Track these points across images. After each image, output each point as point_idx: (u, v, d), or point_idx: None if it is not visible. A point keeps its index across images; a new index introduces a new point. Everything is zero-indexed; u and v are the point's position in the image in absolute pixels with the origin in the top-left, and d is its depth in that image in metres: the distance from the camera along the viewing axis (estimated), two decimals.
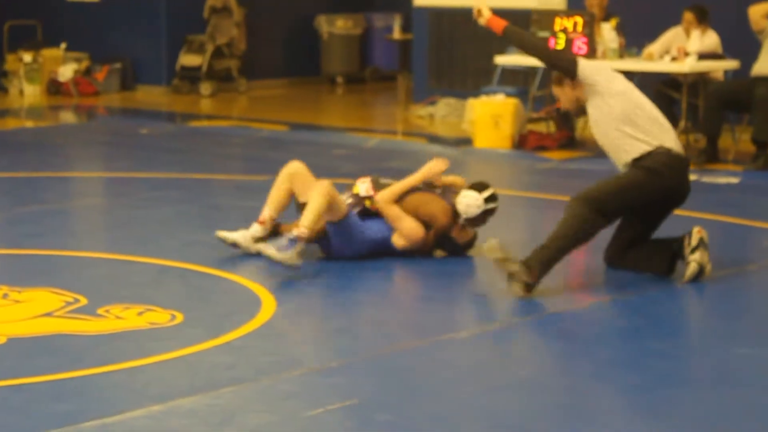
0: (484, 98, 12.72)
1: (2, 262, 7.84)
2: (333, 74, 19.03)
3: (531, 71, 13.00)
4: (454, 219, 7.87)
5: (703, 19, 12.08)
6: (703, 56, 11.78)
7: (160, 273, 7.54)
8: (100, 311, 6.58)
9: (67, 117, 15.90)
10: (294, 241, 7.34)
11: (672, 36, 12.20)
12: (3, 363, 5.79)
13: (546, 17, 12.35)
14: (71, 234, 9.01)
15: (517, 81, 13.84)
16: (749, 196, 10.24)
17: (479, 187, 7.94)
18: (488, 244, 7.10)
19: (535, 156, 12.11)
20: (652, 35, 12.35)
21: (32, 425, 4.98)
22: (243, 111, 16.35)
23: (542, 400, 5.42)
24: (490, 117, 12.43)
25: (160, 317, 6.51)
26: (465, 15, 15.42)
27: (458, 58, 15.67)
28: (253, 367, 5.77)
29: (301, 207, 7.79)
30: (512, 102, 12.47)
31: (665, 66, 11.81)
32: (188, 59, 17.47)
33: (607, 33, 12.06)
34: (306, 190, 7.74)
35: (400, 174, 8.26)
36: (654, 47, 12.14)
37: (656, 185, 7.29)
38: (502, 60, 13.00)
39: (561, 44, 12.16)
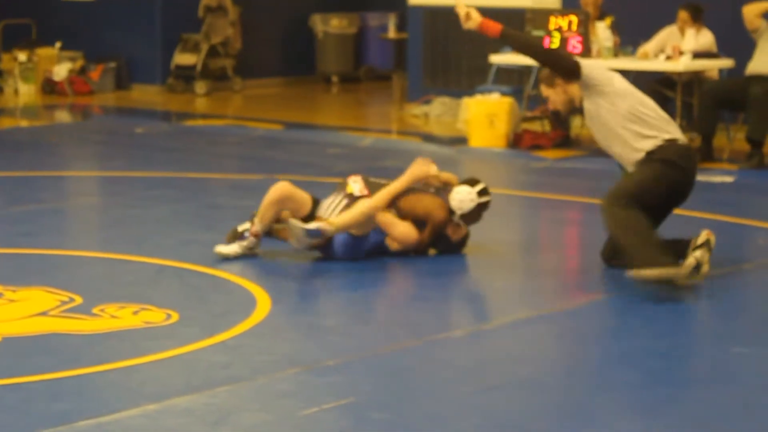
0: (479, 97, 12.72)
1: None
2: (328, 73, 19.03)
3: (526, 70, 13.00)
4: (450, 215, 7.87)
5: (698, 18, 12.09)
6: (697, 55, 11.79)
7: (155, 272, 7.54)
8: (95, 310, 6.58)
9: (62, 116, 15.88)
10: (318, 232, 7.42)
11: (667, 35, 12.21)
12: None
13: (540, 16, 12.36)
14: (66, 233, 9.01)
15: (512, 80, 13.84)
16: (744, 194, 10.25)
17: (471, 182, 7.96)
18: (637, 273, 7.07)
19: (530, 155, 12.11)
20: (647, 34, 12.35)
21: (28, 424, 4.98)
22: (238, 110, 16.34)
23: (539, 399, 5.43)
24: (485, 116, 12.43)
25: (156, 316, 6.51)
26: None
27: (453, 57, 15.67)
28: (249, 366, 5.77)
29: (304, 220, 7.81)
30: (507, 101, 12.47)
31: (660, 65, 11.82)
32: (183, 58, 17.46)
33: (602, 32, 12.07)
34: (301, 207, 7.75)
35: (394, 173, 8.26)
36: (649, 46, 12.15)
37: (672, 177, 7.27)
38: (497, 59, 13.00)
39: (556, 43, 12.17)
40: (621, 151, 7.40)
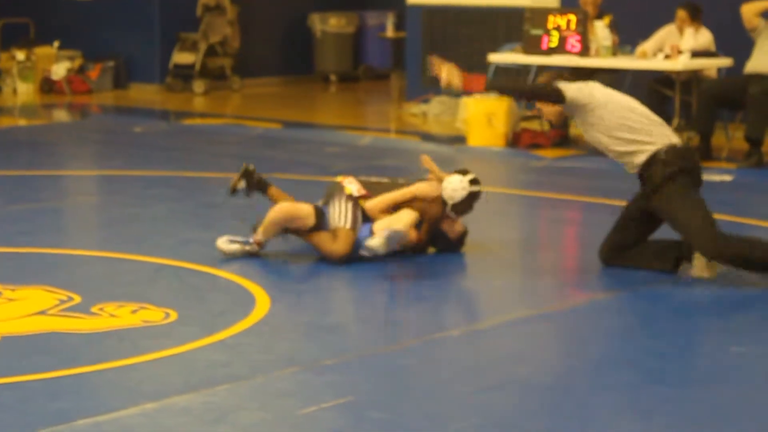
0: (477, 96, 12.71)
1: None
2: (326, 72, 19.03)
3: (524, 69, 13.01)
4: (444, 208, 7.89)
5: (697, 17, 12.09)
6: (696, 54, 11.79)
7: (154, 271, 7.53)
8: (94, 309, 6.58)
9: (61, 115, 15.88)
10: (396, 234, 7.46)
11: (665, 34, 12.21)
12: None
13: (539, 15, 12.36)
14: (65, 232, 9.01)
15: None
16: (742, 193, 10.25)
17: (461, 171, 8.00)
18: (697, 263, 7.21)
19: (529, 154, 12.11)
20: (646, 33, 12.36)
21: (26, 423, 4.98)
22: (236, 109, 16.34)
23: (537, 399, 5.43)
24: (483, 115, 12.43)
25: (154, 315, 6.51)
26: (458, 13, 15.44)
27: (452, 57, 15.55)
28: (248, 365, 5.77)
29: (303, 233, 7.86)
30: (506, 100, 12.46)
31: (658, 64, 11.82)
32: (181, 57, 17.46)
33: (601, 31, 12.07)
34: (305, 222, 7.73)
35: (392, 172, 8.26)
36: (647, 45, 12.15)
37: (693, 180, 7.35)
38: (496, 58, 13.00)
39: (554, 42, 12.18)
40: (618, 157, 7.46)
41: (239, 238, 7.71)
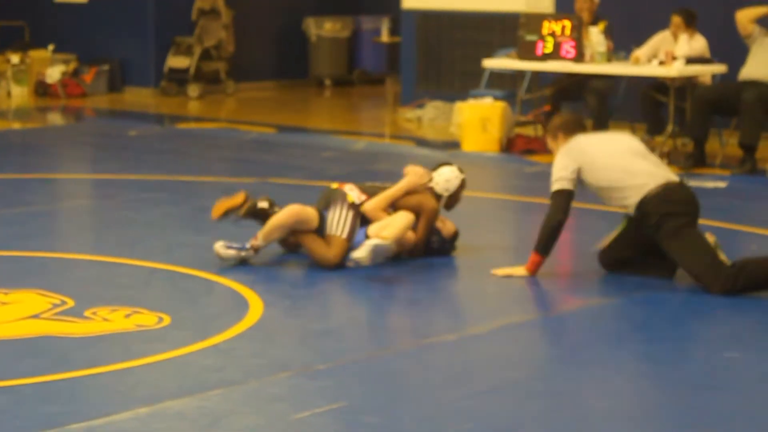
0: (472, 101, 12.72)
1: None
2: (321, 77, 19.04)
3: (519, 75, 13.01)
4: (439, 201, 8.00)
5: (691, 23, 12.10)
6: (690, 60, 11.80)
7: (147, 275, 7.53)
8: (87, 313, 6.57)
9: (55, 118, 15.87)
10: (381, 248, 7.42)
11: (660, 40, 12.22)
12: None
13: (534, 21, 12.37)
14: (58, 236, 9.00)
15: (505, 84, 13.85)
16: (736, 200, 10.25)
17: (445, 164, 8.18)
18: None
19: (523, 159, 12.12)
20: (640, 39, 12.37)
21: (19, 427, 4.97)
22: (231, 113, 16.34)
23: (531, 404, 5.43)
24: (478, 120, 12.44)
25: (148, 319, 6.50)
26: (453, 18, 15.45)
27: (446, 61, 15.68)
28: (241, 369, 5.76)
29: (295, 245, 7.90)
30: (500, 105, 12.48)
31: (653, 70, 11.82)
32: (176, 61, 17.46)
33: (595, 37, 12.08)
34: (310, 225, 7.73)
35: (387, 177, 8.27)
36: (642, 51, 12.16)
37: (689, 216, 7.38)
38: (490, 63, 13.01)
39: (549, 48, 12.18)
40: (612, 203, 7.60)
41: (236, 244, 7.70)
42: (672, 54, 11.78)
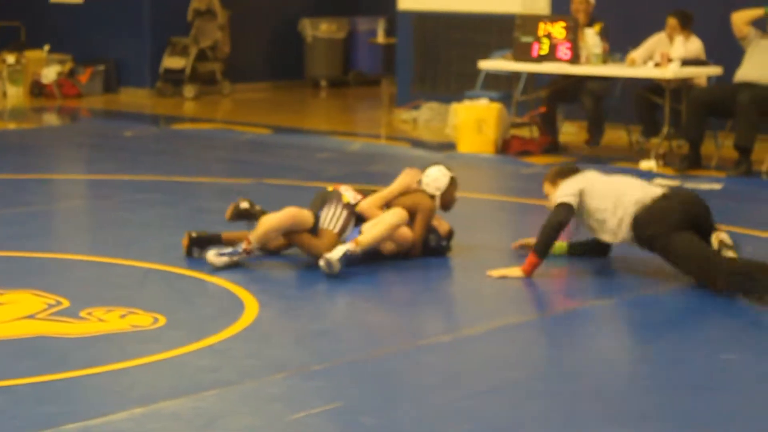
0: (467, 103, 12.73)
1: None
2: (317, 78, 19.04)
3: (515, 76, 13.02)
4: (434, 201, 8.04)
5: (687, 25, 12.11)
6: (686, 62, 11.81)
7: (142, 276, 7.52)
8: (82, 314, 6.57)
9: (51, 119, 15.86)
10: (348, 256, 7.47)
11: (655, 41, 12.23)
12: None
13: (530, 22, 12.38)
14: (54, 236, 8.99)
15: (500, 86, 13.86)
16: (732, 202, 10.26)
17: (433, 165, 8.25)
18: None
19: (519, 161, 12.12)
20: (636, 41, 12.38)
21: (15, 427, 4.97)
22: (227, 114, 16.34)
23: (527, 405, 5.43)
24: (473, 121, 12.44)
25: (143, 320, 6.50)
26: (449, 19, 15.45)
27: (442, 63, 15.69)
28: (237, 370, 5.76)
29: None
30: (496, 107, 12.48)
31: (648, 72, 11.83)
32: (172, 62, 17.45)
33: (591, 38, 12.09)
34: (304, 227, 7.74)
35: (382, 178, 8.28)
36: (637, 53, 12.17)
37: (671, 228, 7.43)
38: (486, 65, 13.01)
39: (545, 50, 12.18)
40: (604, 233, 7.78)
41: (227, 250, 7.69)
42: (667, 56, 11.79)
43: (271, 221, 7.71)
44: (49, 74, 17.20)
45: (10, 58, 17.25)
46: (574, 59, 12.09)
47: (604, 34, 12.20)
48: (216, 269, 7.60)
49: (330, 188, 8.09)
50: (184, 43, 17.44)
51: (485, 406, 5.38)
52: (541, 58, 12.25)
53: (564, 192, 7.69)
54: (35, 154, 12.63)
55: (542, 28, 12.22)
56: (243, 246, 7.68)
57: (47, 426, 4.96)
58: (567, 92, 12.60)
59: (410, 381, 5.76)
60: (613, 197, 7.62)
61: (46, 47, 17.58)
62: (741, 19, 11.61)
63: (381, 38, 18.92)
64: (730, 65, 11.88)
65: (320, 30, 18.84)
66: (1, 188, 10.42)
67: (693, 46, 12.06)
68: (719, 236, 7.41)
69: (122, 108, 16.42)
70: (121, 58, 17.70)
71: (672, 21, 12.14)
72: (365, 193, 8.04)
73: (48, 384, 5.49)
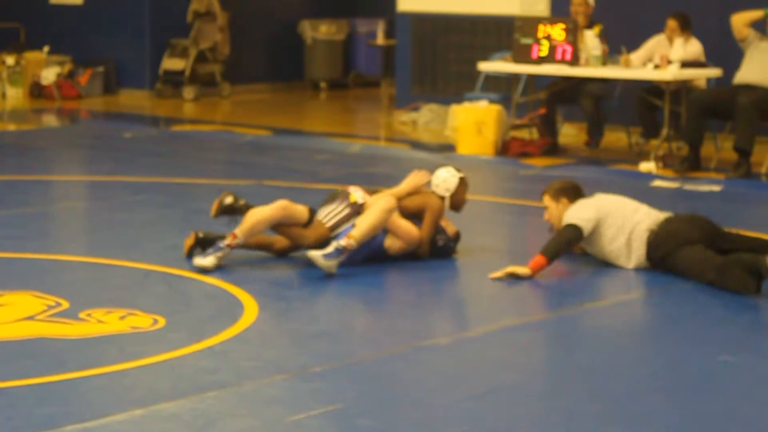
0: (467, 104, 12.73)
1: None
2: (316, 79, 19.04)
3: (514, 78, 13.02)
4: (443, 202, 8.06)
5: (686, 27, 12.12)
6: (685, 64, 11.82)
7: (142, 277, 7.52)
8: (82, 315, 6.57)
9: (50, 120, 15.86)
10: (341, 251, 7.47)
11: (655, 43, 12.24)
12: None
13: (529, 24, 12.38)
14: (53, 237, 8.99)
15: (500, 87, 13.86)
16: (731, 204, 10.26)
17: (441, 166, 8.27)
18: None
19: (518, 162, 12.12)
20: (636, 43, 12.38)
21: (14, 429, 4.97)
22: (226, 115, 16.34)
23: (526, 407, 5.43)
24: (473, 123, 12.44)
25: (143, 321, 6.50)
26: (448, 21, 15.46)
27: (441, 64, 15.69)
28: (236, 371, 5.76)
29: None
30: (495, 108, 12.48)
31: (648, 73, 11.84)
32: (172, 63, 17.45)
33: (591, 40, 12.09)
34: (297, 221, 7.74)
35: (382, 180, 8.28)
36: (637, 55, 12.18)
37: (676, 248, 7.60)
38: (486, 66, 13.02)
39: (544, 51, 12.19)
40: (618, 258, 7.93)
41: (210, 249, 7.67)
42: (667, 58, 11.79)
43: (261, 213, 7.69)
44: (49, 75, 17.20)
45: (10, 60, 17.25)
46: (574, 61, 12.09)
47: (603, 36, 12.20)
48: (207, 270, 7.57)
49: (341, 189, 8.11)
50: (183, 44, 17.44)
51: (484, 408, 5.38)
52: (540, 60, 12.25)
53: (579, 215, 7.78)
54: (34, 156, 12.63)
55: (542, 30, 12.22)
56: (226, 241, 7.63)
57: (47, 427, 4.96)
58: (566, 94, 12.60)
59: (409, 383, 5.76)
60: (627, 230, 7.78)
61: (46, 48, 17.58)
62: (740, 20, 11.61)
63: (380, 40, 18.92)
64: (730, 67, 11.88)
65: (320, 32, 18.85)
66: (0, 189, 10.42)
67: (692, 48, 12.06)
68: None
69: (122, 109, 16.41)
70: (121, 60, 17.70)
71: (671, 23, 12.14)
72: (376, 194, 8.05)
73: (47, 385, 5.49)
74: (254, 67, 18.58)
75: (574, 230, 7.73)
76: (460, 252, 8.13)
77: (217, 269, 7.59)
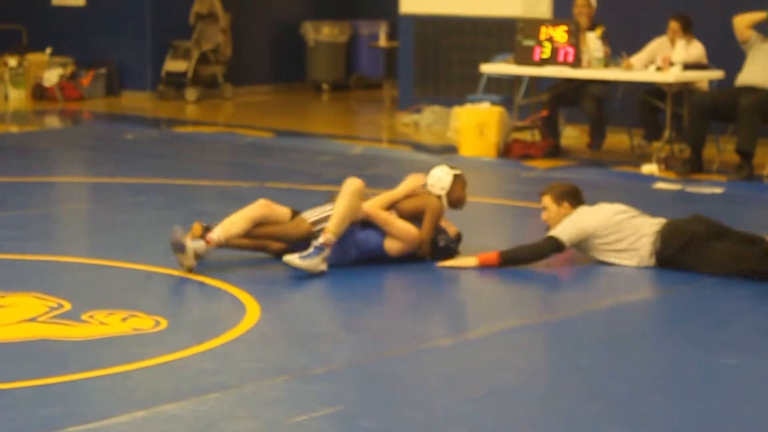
0: (469, 106, 12.73)
1: None
2: (318, 81, 19.04)
3: (516, 80, 13.02)
4: (441, 201, 8.06)
5: (689, 29, 12.12)
6: (688, 66, 11.81)
7: (144, 279, 7.53)
8: (84, 317, 6.57)
9: (53, 122, 15.87)
10: (321, 248, 7.47)
11: (657, 45, 12.23)
12: None
13: (532, 26, 12.38)
14: (55, 239, 9.00)
15: (502, 89, 13.86)
16: (733, 206, 10.26)
17: (435, 167, 8.28)
18: None
19: (520, 164, 12.12)
20: (638, 45, 12.38)
21: (16, 430, 4.97)
22: (228, 117, 16.34)
23: (527, 408, 5.43)
24: (475, 125, 12.44)
25: (144, 323, 6.50)
26: (451, 23, 15.46)
27: (444, 66, 15.69)
28: (238, 373, 5.76)
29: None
30: (497, 110, 12.48)
31: (650, 75, 11.83)
32: (174, 65, 17.45)
33: (593, 42, 12.09)
34: (283, 216, 7.77)
35: (384, 181, 8.28)
36: (639, 57, 12.17)
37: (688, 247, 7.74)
38: (488, 68, 13.02)
39: (547, 53, 12.19)
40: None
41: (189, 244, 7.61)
42: (669, 60, 11.79)
43: (241, 211, 7.70)
44: (51, 77, 17.21)
45: (12, 61, 17.26)
46: (576, 63, 12.09)
47: (605, 38, 12.20)
48: (196, 260, 7.53)
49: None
50: (186, 46, 17.44)
51: (485, 409, 5.38)
52: (542, 62, 12.26)
53: (569, 231, 7.84)
54: (37, 157, 12.64)
55: (544, 32, 12.22)
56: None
57: (49, 429, 4.96)
58: (568, 96, 12.60)
59: (411, 385, 5.76)
60: (629, 232, 7.86)
61: (48, 50, 17.58)
62: (743, 22, 11.61)
63: (383, 42, 18.93)
64: (732, 69, 11.87)
65: (322, 33, 18.85)
66: (2, 191, 10.42)
67: (695, 49, 12.06)
68: None
69: (124, 111, 16.42)
70: (123, 61, 17.70)
71: (674, 25, 12.14)
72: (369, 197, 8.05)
73: (49, 387, 5.50)
74: (256, 69, 18.59)
75: (555, 245, 7.83)
76: (462, 253, 8.12)
77: (217, 271, 7.59)
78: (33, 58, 17.45)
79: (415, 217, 7.97)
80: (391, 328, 6.74)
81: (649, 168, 11.66)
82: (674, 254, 7.73)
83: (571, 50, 12.08)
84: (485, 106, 12.58)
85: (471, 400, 5.47)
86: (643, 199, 9.79)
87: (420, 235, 7.91)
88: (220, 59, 17.60)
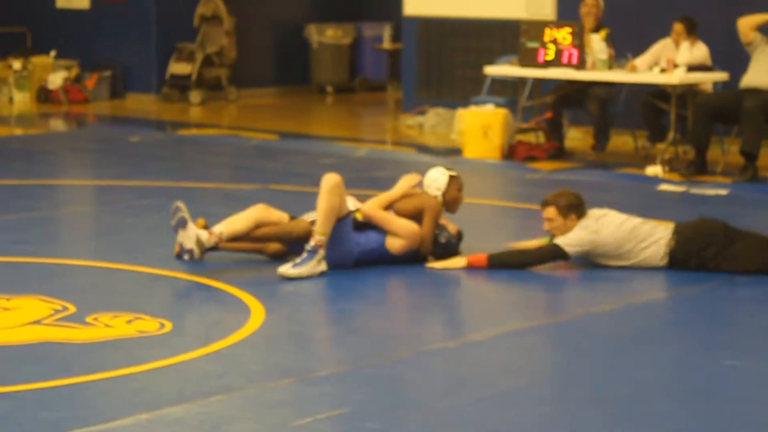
0: (473, 108, 12.73)
1: None
2: (323, 83, 19.05)
3: (520, 82, 13.02)
4: (438, 200, 8.08)
5: (693, 31, 12.11)
6: (692, 68, 11.81)
7: (149, 281, 7.53)
8: (88, 319, 6.57)
9: (57, 124, 15.88)
10: (314, 251, 7.50)
11: (661, 47, 12.23)
12: None
13: (536, 28, 12.38)
14: (60, 241, 9.00)
15: (506, 91, 13.86)
16: (738, 208, 10.25)
17: (432, 168, 8.31)
18: None
19: (524, 166, 12.12)
20: (642, 47, 12.38)
21: None
22: (232, 119, 16.35)
23: (531, 411, 5.43)
24: (479, 127, 12.44)
25: (149, 325, 6.51)
26: (455, 25, 15.46)
27: (448, 68, 15.69)
28: (242, 375, 5.76)
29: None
30: (501, 112, 12.48)
31: (654, 77, 11.83)
32: (178, 67, 17.47)
33: (597, 44, 12.09)
34: (281, 217, 7.82)
35: (388, 184, 8.28)
36: (643, 58, 12.17)
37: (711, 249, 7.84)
38: (492, 70, 13.02)
39: (551, 55, 12.19)
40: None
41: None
42: (673, 61, 11.79)
43: (241, 212, 7.74)
44: (56, 80, 17.23)
45: (17, 64, 17.28)
46: (580, 65, 12.09)
47: (609, 40, 12.20)
48: (191, 251, 7.55)
49: None
50: (190, 48, 17.46)
51: (489, 411, 5.38)
52: (546, 64, 12.26)
53: (577, 243, 7.84)
54: (41, 160, 12.65)
55: (548, 34, 12.22)
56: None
57: (53, 431, 4.96)
58: (573, 98, 12.60)
59: (415, 387, 5.76)
60: (640, 238, 7.88)
61: (53, 53, 17.60)
62: (747, 24, 11.60)
63: (387, 44, 18.94)
64: (736, 71, 11.87)
65: (326, 36, 18.86)
66: (7, 194, 10.43)
67: (699, 51, 12.06)
68: None
69: (128, 113, 16.43)
70: (128, 64, 17.72)
71: (678, 26, 12.13)
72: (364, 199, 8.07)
73: (54, 389, 5.50)
74: (261, 71, 18.60)
75: (558, 254, 7.86)
76: (464, 254, 8.11)
77: (221, 273, 7.60)
78: (37, 60, 17.47)
79: (414, 217, 7.97)
80: (395, 330, 6.74)
81: (654, 170, 11.65)
82: (692, 254, 7.72)
83: (575, 52, 12.08)
84: (489, 108, 12.58)
85: (476, 402, 5.47)
86: (648, 201, 9.80)
87: (421, 231, 7.90)
88: (224, 62, 17.61)
